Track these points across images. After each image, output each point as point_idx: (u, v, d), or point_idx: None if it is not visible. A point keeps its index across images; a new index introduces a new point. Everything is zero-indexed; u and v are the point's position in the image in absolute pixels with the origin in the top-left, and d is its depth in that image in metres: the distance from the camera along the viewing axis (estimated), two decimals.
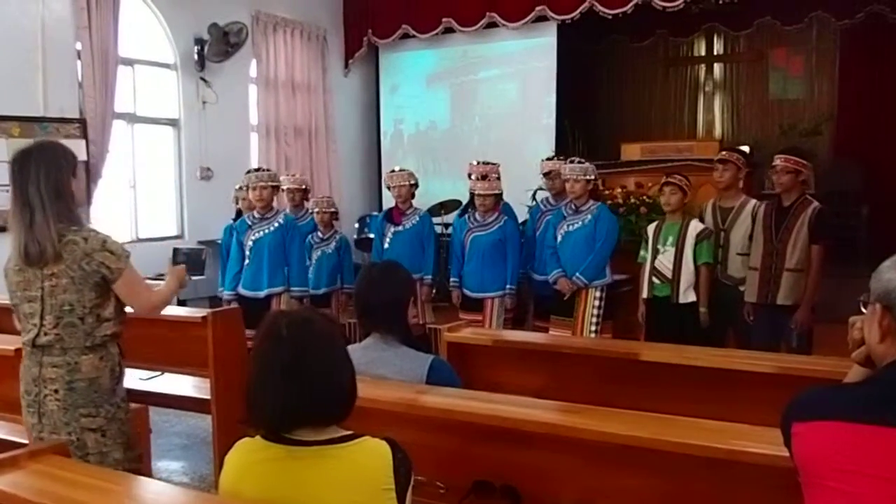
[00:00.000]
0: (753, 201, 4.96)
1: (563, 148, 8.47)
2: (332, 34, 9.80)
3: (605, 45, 11.18)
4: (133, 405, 3.35)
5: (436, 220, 6.92)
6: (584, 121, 9.82)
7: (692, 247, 4.81)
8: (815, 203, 4.59)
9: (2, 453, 2.17)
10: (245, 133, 8.76)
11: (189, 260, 7.36)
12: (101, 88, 6.91)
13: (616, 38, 11.11)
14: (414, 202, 6.10)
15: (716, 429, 2.09)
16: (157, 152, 7.97)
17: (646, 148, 8.35)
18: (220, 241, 6.01)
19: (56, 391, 2.68)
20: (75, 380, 2.68)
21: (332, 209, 6.20)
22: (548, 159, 6.14)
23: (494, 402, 2.42)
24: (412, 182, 6.00)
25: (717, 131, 11.22)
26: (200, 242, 7.73)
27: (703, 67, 11.43)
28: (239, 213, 6.03)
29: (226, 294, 5.63)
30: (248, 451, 1.76)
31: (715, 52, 11.34)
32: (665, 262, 4.88)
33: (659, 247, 4.93)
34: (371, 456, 1.71)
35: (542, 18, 8.73)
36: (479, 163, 6.02)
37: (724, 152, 5.24)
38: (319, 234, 6.11)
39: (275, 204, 5.71)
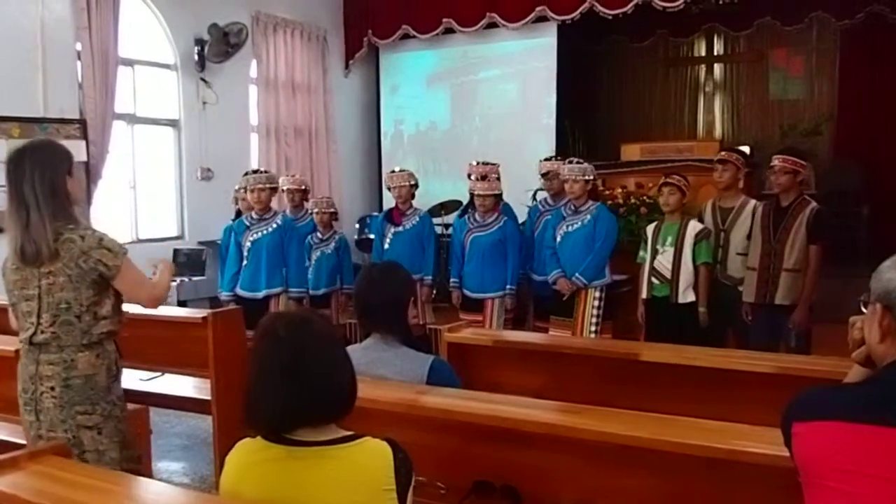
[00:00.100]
0: (753, 201, 4.96)
1: (564, 148, 8.48)
2: (333, 34, 9.81)
3: (605, 45, 11.19)
4: (133, 406, 3.36)
5: (436, 220, 6.92)
6: (584, 121, 9.83)
7: (691, 247, 4.81)
8: (813, 203, 4.59)
9: (2, 454, 2.17)
10: (245, 133, 8.76)
11: (189, 261, 7.39)
12: (101, 89, 6.91)
13: (616, 39, 11.11)
14: (414, 202, 6.10)
15: (716, 429, 2.09)
16: (158, 153, 7.98)
17: (646, 148, 8.36)
18: (220, 242, 6.01)
19: (52, 388, 2.68)
20: (71, 377, 2.69)
21: (332, 209, 6.20)
22: (546, 160, 6.14)
23: (494, 402, 2.42)
24: (412, 182, 6.00)
25: (718, 132, 11.22)
26: (200, 243, 7.73)
27: (703, 68, 11.44)
28: (238, 214, 6.04)
29: (224, 295, 5.63)
30: (248, 452, 1.76)
31: (715, 53, 11.35)
32: (664, 262, 4.88)
33: (658, 247, 4.93)
34: (372, 456, 1.71)
35: (542, 19, 8.74)
36: (478, 163, 6.03)
37: (723, 152, 5.25)
38: (319, 234, 6.11)
39: (274, 205, 5.71)
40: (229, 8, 8.22)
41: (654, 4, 8.02)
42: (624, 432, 2.10)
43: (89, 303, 2.69)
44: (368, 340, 2.62)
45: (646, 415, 2.24)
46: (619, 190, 7.30)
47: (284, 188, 6.36)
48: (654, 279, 4.93)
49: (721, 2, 8.43)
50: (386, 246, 5.97)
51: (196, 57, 7.96)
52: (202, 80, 8.05)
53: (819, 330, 4.56)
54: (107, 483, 2.05)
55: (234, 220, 5.88)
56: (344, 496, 1.67)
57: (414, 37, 9.60)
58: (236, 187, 6.14)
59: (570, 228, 5.31)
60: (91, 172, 6.85)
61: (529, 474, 2.26)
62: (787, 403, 1.52)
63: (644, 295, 4.99)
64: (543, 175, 6.02)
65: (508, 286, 5.52)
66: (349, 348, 2.34)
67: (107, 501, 1.94)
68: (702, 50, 11.41)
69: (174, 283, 6.98)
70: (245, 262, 5.56)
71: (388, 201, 8.14)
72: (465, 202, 6.02)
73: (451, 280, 5.83)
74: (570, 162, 5.38)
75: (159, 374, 4.31)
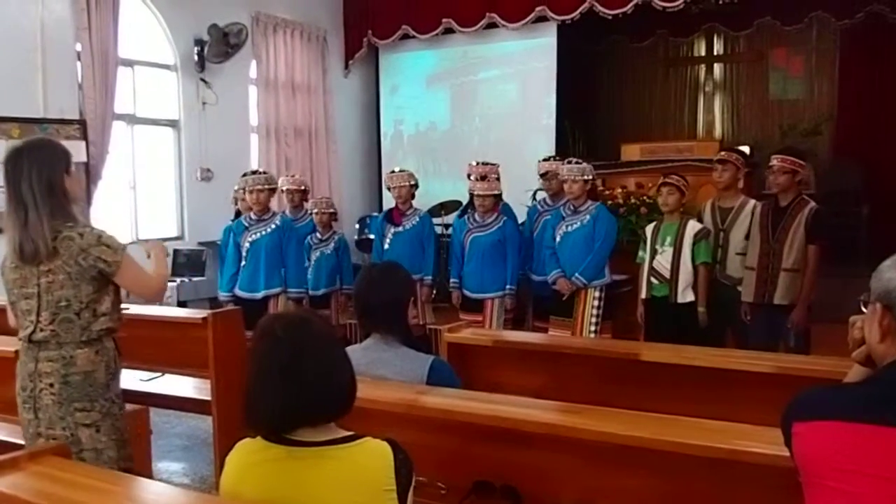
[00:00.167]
0: (753, 201, 4.96)
1: (564, 148, 8.48)
2: (332, 35, 9.81)
3: (605, 45, 11.19)
4: (134, 406, 3.37)
5: (436, 220, 6.92)
6: (584, 121, 9.83)
7: (690, 247, 4.81)
8: (812, 203, 4.59)
9: (1, 455, 2.17)
10: (245, 134, 8.76)
11: (189, 261, 7.40)
12: (101, 89, 6.91)
13: (616, 39, 11.12)
14: (414, 203, 6.10)
15: (716, 429, 2.09)
16: (157, 153, 7.98)
17: (646, 148, 8.35)
18: (220, 242, 6.01)
19: (51, 385, 2.69)
20: (70, 373, 2.69)
21: (331, 210, 6.21)
22: (544, 160, 6.14)
23: (494, 402, 2.42)
24: (412, 183, 6.00)
25: (718, 131, 11.22)
26: (200, 243, 7.73)
27: (703, 68, 11.44)
28: (238, 214, 6.04)
29: (223, 296, 5.64)
30: (248, 452, 1.76)
31: (715, 53, 11.35)
32: (663, 262, 4.88)
33: (657, 247, 4.93)
34: (372, 457, 1.71)
35: (542, 19, 8.74)
36: (478, 163, 6.04)
37: (723, 152, 5.25)
38: (318, 234, 6.11)
39: (274, 206, 5.71)
40: (229, 8, 8.22)
41: (653, 4, 8.02)
42: (624, 432, 2.10)
43: (89, 300, 2.70)
44: (368, 341, 2.62)
45: (646, 415, 2.24)
46: (619, 190, 7.30)
47: (284, 189, 6.37)
48: (653, 279, 4.93)
49: (721, 2, 8.43)
50: (386, 246, 5.97)
51: (196, 57, 7.96)
52: (202, 80, 8.05)
53: (819, 330, 4.56)
54: (107, 483, 2.05)
55: (233, 221, 5.88)
56: (344, 496, 1.67)
57: (414, 37, 9.60)
58: (235, 188, 6.14)
59: (569, 228, 5.31)
60: (91, 173, 6.85)
61: (529, 474, 2.26)
62: (787, 403, 1.52)
63: (643, 295, 4.99)
64: (542, 175, 6.02)
65: (508, 286, 5.52)
66: (349, 349, 2.34)
67: (107, 502, 1.94)
68: (702, 50, 11.41)
69: (174, 284, 6.99)
70: (244, 263, 5.57)
71: (388, 201, 8.15)
72: (464, 202, 6.02)
73: (451, 280, 5.83)
74: (569, 162, 5.38)
75: (159, 374, 4.31)
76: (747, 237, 4.81)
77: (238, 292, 5.55)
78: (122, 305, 2.87)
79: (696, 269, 4.82)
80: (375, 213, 8.89)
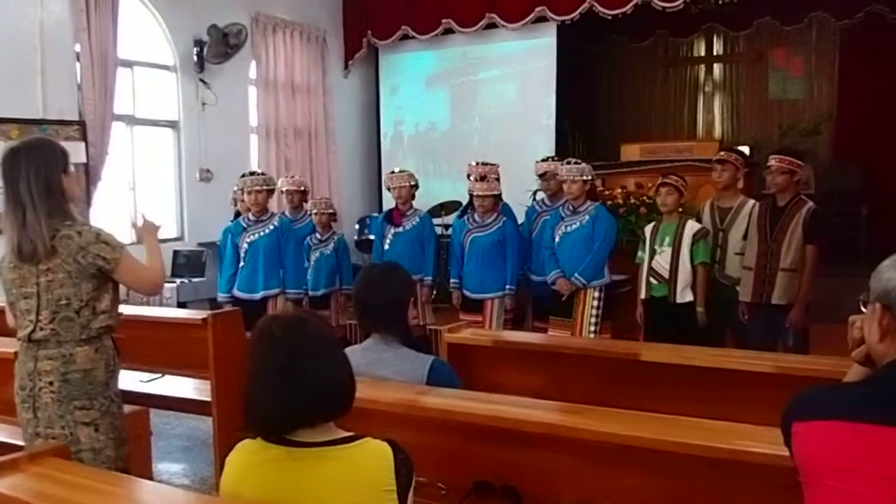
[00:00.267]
0: (752, 201, 4.97)
1: (563, 148, 8.48)
2: (332, 35, 9.81)
3: (604, 45, 11.18)
4: (134, 407, 3.37)
5: (436, 221, 6.92)
6: (583, 121, 9.83)
7: (689, 247, 4.82)
8: (810, 203, 4.60)
9: (1, 456, 2.17)
10: (245, 135, 8.76)
11: (189, 262, 7.40)
12: (101, 90, 6.91)
13: (616, 39, 11.12)
14: (414, 203, 6.10)
15: (717, 429, 2.09)
16: (157, 154, 7.97)
17: (645, 148, 8.35)
18: (219, 243, 6.01)
19: (51, 383, 2.69)
20: (70, 371, 2.70)
21: (331, 210, 6.21)
22: (542, 160, 6.14)
23: (494, 402, 2.42)
24: (412, 183, 6.00)
25: (717, 132, 11.22)
26: (200, 244, 7.73)
27: (702, 68, 11.45)
28: (238, 215, 6.04)
29: (221, 297, 5.65)
30: (248, 453, 1.76)
31: (714, 53, 11.36)
32: (662, 262, 4.88)
33: (656, 247, 4.93)
34: (372, 457, 1.71)
35: (541, 19, 8.74)
36: (477, 164, 6.04)
37: (722, 152, 5.26)
38: (318, 235, 6.11)
39: (273, 206, 5.71)
40: (228, 9, 8.22)
41: (653, 4, 8.02)
42: (624, 432, 2.10)
43: (88, 298, 2.71)
44: (368, 341, 2.62)
45: (646, 415, 2.24)
46: (619, 190, 7.30)
47: (283, 189, 6.38)
48: (652, 279, 4.93)
49: (720, 2, 8.43)
50: (386, 246, 5.97)
51: (195, 58, 7.96)
52: (201, 81, 8.05)
53: (818, 329, 4.57)
54: (107, 485, 2.06)
55: (232, 222, 5.89)
56: (344, 497, 1.67)
57: (413, 37, 9.60)
58: (235, 188, 6.14)
59: (568, 229, 5.31)
60: (90, 174, 6.85)
61: (530, 474, 2.26)
62: (787, 403, 1.52)
63: (643, 295, 4.99)
64: (540, 176, 6.03)
65: (508, 286, 5.52)
66: (349, 349, 2.34)
67: (107, 503, 1.94)
68: (701, 50, 11.41)
69: (174, 285, 6.99)
70: (242, 264, 5.57)
71: (388, 202, 8.15)
72: (464, 203, 6.02)
73: (451, 280, 5.83)
74: (568, 162, 5.38)
75: (159, 375, 4.31)
76: (745, 237, 4.81)
77: (236, 293, 5.56)
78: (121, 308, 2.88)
79: (694, 269, 4.82)
80: (375, 214, 8.89)
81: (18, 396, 2.76)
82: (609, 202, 6.70)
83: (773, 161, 4.64)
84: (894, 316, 1.45)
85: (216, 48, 7.99)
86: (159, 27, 7.82)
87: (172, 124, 8.02)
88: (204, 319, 3.93)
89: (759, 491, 1.94)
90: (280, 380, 1.69)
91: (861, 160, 9.39)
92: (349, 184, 10.08)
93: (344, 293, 6.08)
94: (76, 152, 6.32)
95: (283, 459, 1.70)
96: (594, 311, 5.25)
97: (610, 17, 8.30)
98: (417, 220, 6.00)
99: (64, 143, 2.97)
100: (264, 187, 5.56)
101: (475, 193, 5.57)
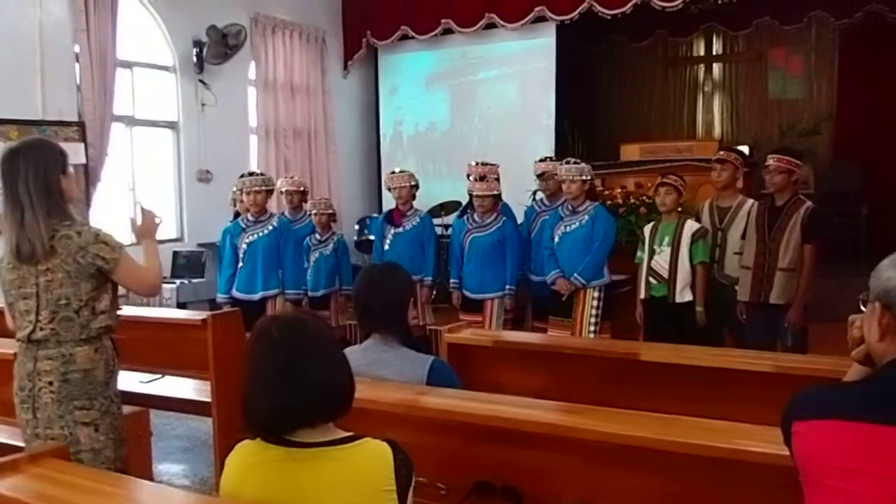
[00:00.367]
0: (751, 201, 4.97)
1: (563, 148, 8.48)
2: (331, 36, 9.81)
3: (604, 45, 11.19)
4: (134, 408, 3.37)
5: (436, 221, 6.92)
6: (583, 121, 9.83)
7: (688, 246, 4.82)
8: (808, 203, 4.60)
9: (1, 457, 2.17)
10: (244, 135, 8.76)
11: (189, 263, 7.40)
12: (100, 91, 6.91)
13: (615, 39, 11.12)
14: (414, 203, 6.10)
15: (717, 428, 2.09)
16: (156, 155, 7.97)
17: (645, 148, 8.35)
18: (219, 244, 6.01)
19: (51, 383, 2.69)
20: (70, 371, 2.70)
21: (330, 211, 6.21)
22: (541, 160, 6.14)
23: (495, 402, 2.42)
24: (413, 183, 6.00)
25: (717, 131, 11.23)
26: (200, 245, 7.73)
27: (702, 67, 11.45)
28: (237, 216, 6.04)
29: (220, 297, 5.65)
30: (248, 454, 1.76)
31: (714, 52, 11.36)
32: (661, 262, 4.89)
33: (655, 247, 4.94)
34: (372, 457, 1.71)
35: (541, 19, 8.74)
36: (477, 164, 6.03)
37: (721, 152, 5.26)
38: (317, 235, 6.11)
39: (273, 208, 5.71)
40: (228, 9, 8.22)
41: (652, 4, 8.02)
42: (625, 432, 2.10)
43: (88, 298, 2.71)
44: (368, 341, 2.62)
45: (646, 414, 2.24)
46: (619, 190, 7.30)
47: (283, 190, 6.38)
48: (651, 279, 4.93)
49: (720, 1, 8.43)
50: (386, 247, 5.97)
51: (195, 59, 7.95)
52: (201, 81, 8.05)
53: (818, 329, 4.57)
54: (107, 486, 2.06)
55: (231, 222, 5.89)
56: (344, 497, 1.67)
57: (413, 37, 9.60)
58: (234, 189, 6.14)
59: (568, 229, 5.30)
60: (90, 175, 6.85)
61: (530, 475, 2.26)
62: (787, 402, 1.52)
63: (642, 295, 4.99)
64: (539, 176, 6.03)
65: (508, 286, 5.52)
66: (349, 349, 2.34)
67: None
68: (701, 50, 11.42)
69: (174, 286, 6.98)
70: (241, 265, 5.57)
71: (388, 202, 8.14)
72: (464, 203, 6.02)
73: (451, 281, 5.83)
74: (568, 162, 5.38)
75: (159, 376, 4.31)
76: (744, 237, 4.81)
77: (235, 294, 5.56)
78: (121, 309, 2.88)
79: (693, 269, 4.82)
80: (375, 214, 8.89)
81: (18, 397, 2.76)
82: (609, 202, 6.70)
83: (771, 161, 4.64)
84: (894, 315, 1.45)
85: (215, 49, 7.99)
86: (158, 28, 7.81)
87: (172, 125, 8.02)
88: (204, 320, 3.93)
89: (759, 490, 1.94)
90: (279, 380, 1.69)
91: (861, 159, 9.39)
92: (349, 184, 10.08)
93: (343, 294, 6.08)
94: (75, 153, 6.32)
95: (283, 460, 1.70)
96: (594, 311, 5.24)
97: (609, 17, 8.30)
98: (418, 220, 5.99)
99: (63, 144, 2.98)
100: (263, 188, 5.56)
101: (475, 193, 5.57)
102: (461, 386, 2.65)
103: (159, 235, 3.10)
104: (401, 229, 5.95)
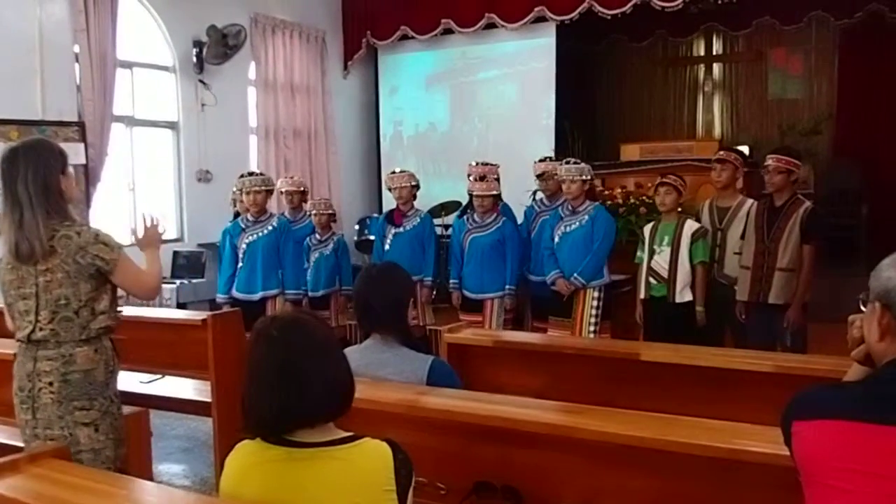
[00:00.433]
0: (750, 201, 4.96)
1: (563, 148, 8.49)
2: (331, 36, 9.81)
3: (604, 45, 11.20)
4: (134, 408, 3.36)
5: (436, 221, 6.91)
6: (583, 121, 9.84)
7: (688, 246, 4.82)
8: (807, 203, 4.60)
9: (1, 457, 2.17)
10: (244, 135, 8.76)
11: (189, 263, 7.39)
12: (100, 91, 6.91)
13: (615, 39, 11.12)
14: (414, 203, 6.09)
15: (717, 428, 2.09)
16: (156, 155, 7.97)
17: (645, 148, 8.37)
18: (219, 244, 6.01)
19: (51, 384, 2.69)
20: (70, 371, 2.70)
21: (330, 211, 6.20)
22: (540, 160, 6.14)
23: (495, 402, 2.42)
24: (413, 183, 5.99)
25: (717, 131, 11.23)
26: (200, 245, 7.73)
27: (702, 67, 11.45)
28: (237, 216, 6.04)
29: (220, 297, 5.64)
30: (248, 454, 1.76)
31: (714, 52, 11.36)
32: (661, 262, 4.89)
33: (655, 247, 4.94)
34: (372, 457, 1.71)
35: (540, 19, 8.74)
36: (477, 164, 6.03)
37: (721, 152, 5.26)
38: (317, 235, 6.11)
39: (273, 208, 5.70)
40: (228, 9, 8.22)
41: (652, 4, 8.02)
42: (625, 432, 2.10)
43: (87, 298, 2.71)
44: (368, 341, 2.62)
45: (647, 414, 2.24)
46: (619, 190, 7.31)
47: (283, 190, 6.37)
48: (651, 279, 4.93)
49: (720, 1, 8.43)
50: (386, 247, 5.97)
51: (194, 59, 7.96)
52: (201, 81, 8.05)
53: (818, 329, 4.57)
54: (107, 486, 2.05)
55: (231, 222, 5.88)
56: (344, 497, 1.67)
57: (413, 38, 9.61)
58: (234, 189, 6.14)
59: (568, 229, 5.30)
60: (90, 175, 6.85)
61: (530, 475, 2.26)
62: (787, 402, 1.52)
63: (642, 295, 4.99)
64: (538, 176, 6.03)
65: (508, 286, 5.52)
66: (349, 349, 2.34)
67: None
68: (700, 50, 11.41)
69: (173, 286, 6.98)
70: (241, 265, 5.57)
71: (388, 202, 8.14)
72: (464, 203, 6.02)
73: (451, 281, 5.83)
74: (567, 162, 5.38)
75: (159, 376, 4.31)
76: (743, 237, 4.81)
77: (235, 294, 5.56)
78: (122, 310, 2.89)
79: (693, 269, 4.82)
80: (375, 215, 8.89)
81: (17, 397, 2.76)
82: (609, 202, 6.70)
83: (770, 161, 4.64)
84: (894, 315, 1.45)
85: (215, 49, 7.99)
86: (158, 28, 7.82)
87: (172, 125, 8.02)
88: (204, 320, 3.93)
89: (760, 490, 1.94)
90: (279, 380, 1.69)
91: (861, 159, 9.39)
92: (349, 184, 10.08)
93: (343, 294, 6.07)
94: (75, 153, 6.32)
95: (283, 460, 1.70)
96: (594, 311, 5.24)
97: (609, 17, 8.30)
98: (418, 220, 5.99)
99: (63, 145, 2.98)
100: (263, 188, 5.55)
101: (475, 193, 5.56)
102: (461, 386, 2.65)
103: (162, 236, 3.09)
104: (401, 229, 5.95)
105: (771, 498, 1.91)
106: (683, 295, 4.82)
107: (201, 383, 4.11)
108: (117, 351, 2.87)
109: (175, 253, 7.47)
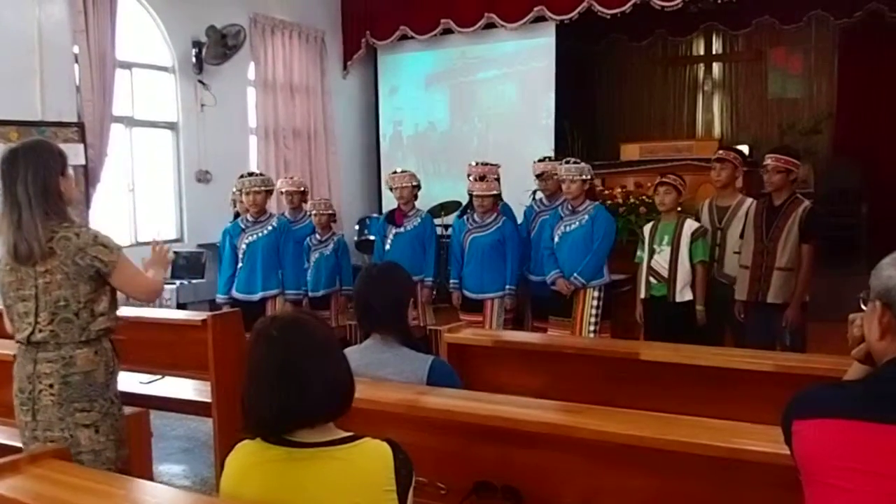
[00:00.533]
0: (750, 200, 4.96)
1: (563, 148, 8.49)
2: (331, 36, 9.81)
3: (603, 45, 11.20)
4: (134, 409, 3.36)
5: (436, 221, 6.91)
6: (583, 121, 9.84)
7: (688, 245, 4.82)
8: (806, 202, 4.60)
9: (1, 458, 2.17)
10: (244, 136, 8.76)
11: (188, 263, 7.39)
12: (99, 92, 6.91)
13: (615, 38, 11.12)
14: (415, 203, 6.09)
15: (717, 427, 2.09)
16: (156, 156, 7.97)
17: (645, 148, 8.36)
18: (219, 244, 6.01)
19: (51, 385, 2.69)
20: (70, 373, 2.70)
21: (330, 211, 6.20)
22: (539, 160, 6.14)
23: (495, 402, 2.42)
24: (415, 183, 5.99)
25: (717, 131, 11.23)
26: (200, 245, 7.73)
27: (701, 67, 11.45)
28: (237, 216, 6.04)
29: (220, 298, 5.64)
30: (248, 454, 1.76)
31: (714, 52, 11.36)
32: (661, 261, 4.89)
33: (655, 246, 4.94)
34: (372, 457, 1.71)
35: (540, 19, 8.74)
36: (477, 164, 6.03)
37: (721, 151, 5.26)
38: (317, 236, 6.11)
39: (273, 208, 5.70)
40: (227, 10, 8.22)
41: (652, 4, 8.03)
42: (625, 431, 2.10)
43: (86, 299, 2.71)
44: (368, 341, 2.62)
45: (647, 414, 2.24)
46: (619, 190, 7.31)
47: (283, 190, 6.38)
48: (651, 279, 4.93)
49: (719, 1, 8.43)
50: (387, 247, 5.97)
51: (194, 59, 7.95)
52: (200, 82, 8.05)
53: (818, 328, 4.56)
54: (107, 486, 2.05)
55: (231, 223, 5.89)
56: (344, 497, 1.67)
57: (412, 37, 9.61)
58: (234, 189, 6.15)
59: (567, 229, 5.30)
60: (89, 175, 6.85)
61: (531, 474, 2.26)
62: (788, 401, 1.52)
63: (642, 294, 4.99)
64: (538, 176, 6.03)
65: (508, 286, 5.52)
66: (349, 349, 2.34)
67: None
68: (700, 49, 11.42)
69: (173, 287, 6.98)
70: (241, 265, 5.57)
71: (388, 202, 8.13)
72: (464, 203, 6.02)
73: (451, 281, 5.83)
74: (567, 162, 5.38)
75: (159, 376, 4.30)
76: (742, 236, 4.81)
77: (235, 294, 5.56)
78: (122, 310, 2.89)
79: (693, 268, 4.82)
80: (375, 215, 8.88)
81: (17, 399, 2.76)
82: (609, 202, 6.70)
83: (769, 160, 4.64)
84: (894, 314, 1.45)
85: (215, 49, 7.99)
86: (157, 28, 7.82)
87: (171, 126, 8.02)
88: (204, 321, 3.92)
89: (760, 489, 1.94)
90: (279, 380, 1.69)
91: (861, 158, 9.39)
92: (348, 184, 10.08)
93: (344, 294, 6.07)
94: (75, 154, 6.32)
95: (283, 460, 1.70)
96: (594, 311, 5.24)
97: (609, 17, 8.31)
98: (419, 220, 5.99)
99: (62, 145, 2.99)
100: (262, 188, 5.55)
101: (475, 193, 5.56)
102: (461, 386, 2.65)
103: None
104: (402, 229, 5.94)
105: (771, 497, 1.91)
106: (683, 294, 4.82)
107: (201, 384, 4.10)
108: (117, 352, 2.88)
109: (175, 253, 7.46)
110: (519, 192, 6.91)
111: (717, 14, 9.97)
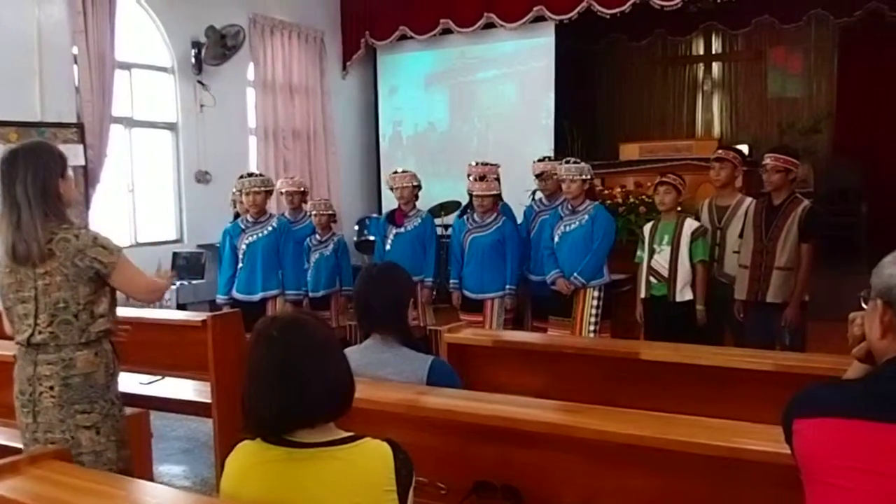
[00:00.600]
0: (749, 199, 4.96)
1: (562, 148, 8.49)
2: (330, 36, 9.81)
3: (603, 44, 11.20)
4: (134, 409, 3.36)
5: (436, 221, 6.91)
6: (582, 121, 9.83)
7: (688, 245, 4.82)
8: (806, 202, 4.59)
9: (2, 459, 2.17)
10: (243, 136, 8.77)
11: (188, 264, 7.39)
12: (99, 92, 6.91)
13: (614, 38, 11.12)
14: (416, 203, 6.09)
15: (717, 427, 2.09)
16: (156, 156, 7.97)
17: (644, 147, 8.36)
18: (219, 245, 6.01)
19: (52, 388, 2.69)
20: (71, 375, 2.70)
21: (330, 211, 6.20)
22: (539, 160, 6.14)
23: (495, 402, 2.42)
24: (415, 183, 5.98)
25: (716, 130, 11.23)
26: (199, 246, 7.73)
27: (701, 66, 11.45)
28: (237, 216, 6.04)
29: (220, 298, 5.64)
30: (248, 454, 1.76)
31: (713, 51, 11.36)
32: (661, 261, 4.89)
33: (655, 246, 4.93)
34: (372, 457, 1.71)
35: (540, 18, 8.75)
36: (477, 164, 6.03)
37: (720, 150, 5.26)
38: (317, 236, 6.11)
39: (273, 208, 5.70)
40: (226, 10, 8.22)
41: (652, 3, 8.03)
42: (625, 431, 2.10)
43: (86, 301, 2.71)
44: (368, 341, 2.62)
45: (647, 413, 2.23)
46: (619, 189, 7.30)
47: (283, 191, 6.38)
48: (651, 278, 4.93)
49: (719, 0, 8.43)
50: (387, 247, 5.96)
51: (193, 60, 7.96)
52: (199, 82, 8.05)
53: (818, 327, 4.56)
54: (108, 487, 2.05)
55: (231, 223, 5.88)
56: (344, 497, 1.67)
57: (411, 37, 9.61)
58: (233, 190, 6.14)
59: (567, 228, 5.30)
60: (89, 176, 6.85)
61: (530, 474, 2.26)
62: (788, 400, 1.52)
63: (642, 294, 4.99)
64: (537, 176, 6.02)
65: (508, 286, 5.51)
66: (349, 350, 2.34)
67: None
68: (700, 48, 11.42)
69: (173, 287, 6.98)
70: (241, 265, 5.57)
71: (388, 203, 8.13)
72: (464, 203, 6.02)
73: (451, 281, 5.82)
74: (567, 161, 5.38)
75: (159, 377, 4.30)
76: (741, 235, 4.81)
77: (235, 294, 5.56)
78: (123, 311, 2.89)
79: (693, 268, 4.82)
80: (375, 215, 8.88)
81: (18, 401, 2.76)
82: (608, 201, 6.70)
83: (768, 159, 4.64)
84: (895, 312, 1.45)
85: (214, 50, 7.99)
86: (157, 29, 7.82)
87: (171, 126, 8.02)
88: (203, 321, 3.92)
89: (760, 489, 1.94)
90: (279, 380, 1.69)
91: (861, 158, 9.39)
92: (348, 185, 10.08)
93: (344, 294, 6.07)
94: (74, 155, 6.32)
95: (283, 460, 1.70)
96: (594, 311, 5.24)
97: (608, 17, 8.31)
98: (419, 220, 5.98)
99: (62, 146, 2.99)
100: (262, 189, 5.56)
101: (474, 193, 5.56)
102: (461, 386, 2.65)
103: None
104: (402, 229, 5.94)
105: (771, 496, 1.91)
106: (684, 294, 4.82)
107: (201, 384, 4.10)
108: (117, 353, 2.87)
109: (175, 254, 7.47)
110: (519, 192, 6.91)
111: (716, 14, 9.97)
